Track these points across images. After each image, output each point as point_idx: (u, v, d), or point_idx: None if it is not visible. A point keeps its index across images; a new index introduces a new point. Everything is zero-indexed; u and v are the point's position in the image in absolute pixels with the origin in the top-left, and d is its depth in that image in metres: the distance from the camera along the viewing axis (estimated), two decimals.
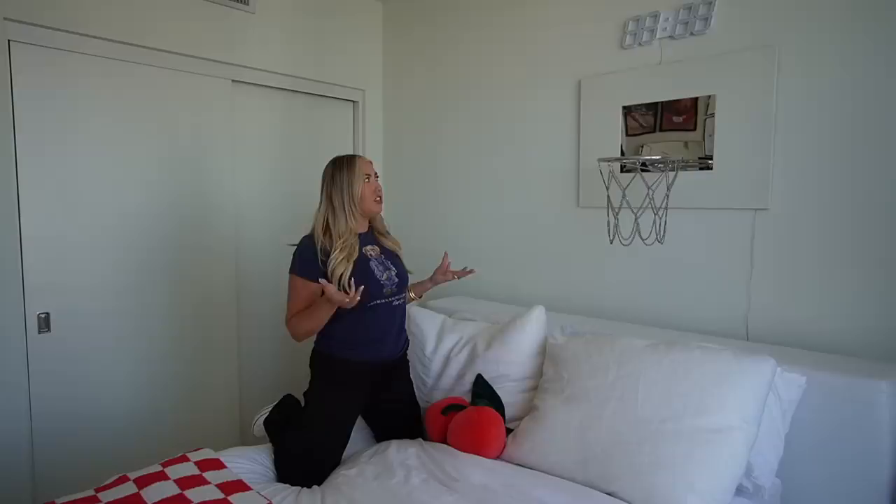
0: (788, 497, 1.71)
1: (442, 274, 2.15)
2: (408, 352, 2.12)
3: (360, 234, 1.89)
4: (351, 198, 1.84)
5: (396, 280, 1.92)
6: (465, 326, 2.22)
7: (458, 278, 2.15)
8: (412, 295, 2.14)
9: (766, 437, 1.61)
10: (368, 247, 1.91)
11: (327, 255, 1.78)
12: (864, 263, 1.86)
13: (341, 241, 1.80)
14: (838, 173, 1.89)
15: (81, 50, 2.19)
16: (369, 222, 1.98)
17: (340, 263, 1.77)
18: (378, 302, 1.86)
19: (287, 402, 2.06)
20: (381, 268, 1.89)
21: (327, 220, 1.84)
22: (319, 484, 1.74)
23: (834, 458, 1.66)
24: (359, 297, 1.68)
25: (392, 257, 1.97)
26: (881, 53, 1.79)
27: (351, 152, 3.22)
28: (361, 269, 1.82)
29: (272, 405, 2.06)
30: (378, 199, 1.92)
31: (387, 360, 1.95)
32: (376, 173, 1.95)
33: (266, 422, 2.01)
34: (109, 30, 2.25)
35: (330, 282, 1.72)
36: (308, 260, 1.80)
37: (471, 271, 2.14)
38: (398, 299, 1.94)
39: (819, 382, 1.67)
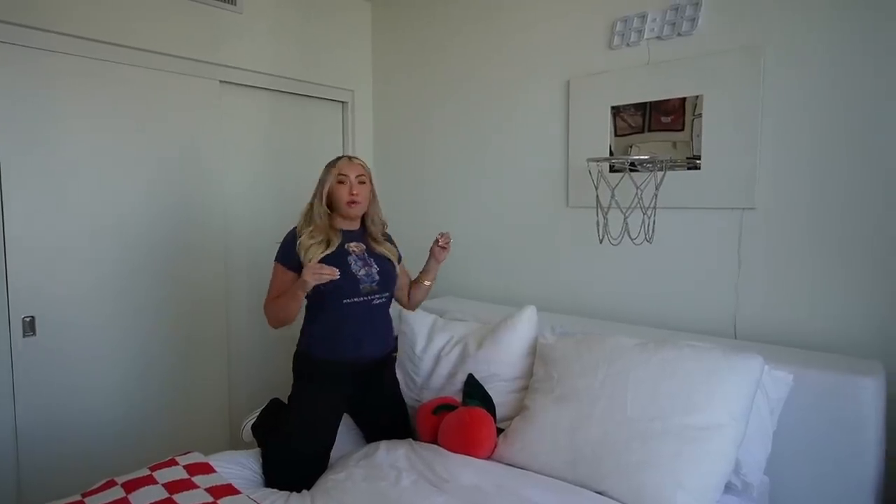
0: (776, 494, 1.73)
1: (439, 250, 2.06)
2: (398, 350, 2.10)
3: (345, 231, 1.91)
4: (322, 194, 1.88)
5: (377, 279, 1.89)
6: (455, 326, 2.22)
7: (446, 244, 2.05)
8: (427, 283, 2.08)
9: (755, 434, 1.62)
10: (352, 243, 1.90)
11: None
12: (851, 262, 1.88)
13: (312, 227, 1.84)
14: (824, 173, 1.91)
15: (66, 50, 2.16)
16: (363, 224, 1.97)
17: (313, 247, 1.80)
18: (355, 300, 1.84)
19: (273, 407, 2.04)
20: (359, 263, 1.87)
21: (309, 211, 1.89)
22: (308, 488, 1.73)
23: (821, 454, 1.68)
24: (335, 276, 1.71)
25: (378, 257, 1.94)
26: (866, 53, 1.81)
27: (340, 152, 3.23)
28: (338, 261, 1.80)
29: (260, 409, 2.05)
30: (351, 201, 1.86)
31: (367, 360, 1.92)
32: (360, 177, 1.89)
33: (253, 427, 1.99)
34: (94, 30, 2.22)
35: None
36: (288, 248, 1.85)
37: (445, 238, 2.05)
38: (379, 298, 1.91)
39: (806, 380, 1.69)
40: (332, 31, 3.09)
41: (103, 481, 1.56)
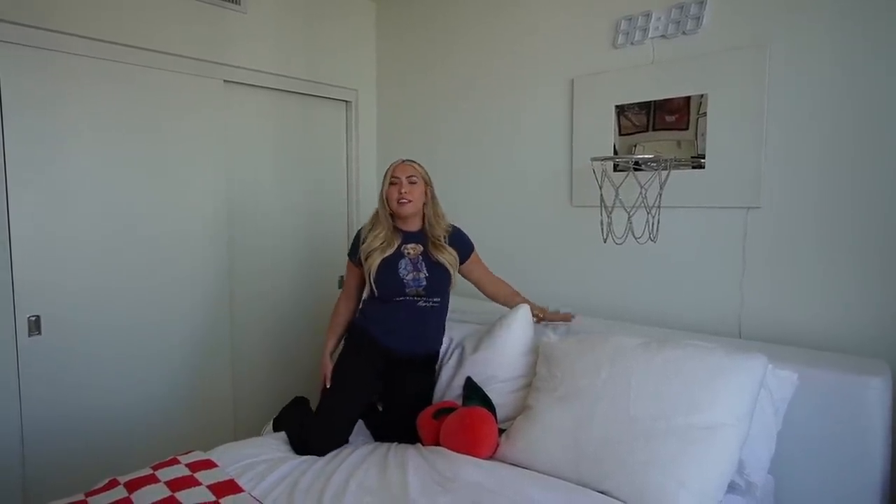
0: (781, 494, 1.72)
1: (559, 322, 2.18)
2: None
3: (406, 232, 2.03)
4: (382, 196, 2.03)
5: (424, 283, 1.99)
6: (451, 328, 2.24)
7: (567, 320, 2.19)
8: (525, 306, 2.11)
9: (759, 434, 1.61)
10: (409, 245, 2.02)
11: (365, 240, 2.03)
12: (857, 261, 1.86)
13: (377, 230, 2.01)
14: (830, 171, 1.89)
15: (71, 50, 2.18)
16: (424, 224, 2.05)
17: (371, 254, 1.98)
18: (399, 299, 1.99)
19: (298, 401, 2.13)
20: (409, 267, 1.99)
21: (377, 211, 2.06)
22: (335, 442, 1.86)
23: (826, 454, 1.67)
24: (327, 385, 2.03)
25: (431, 262, 2.01)
26: (872, 51, 1.80)
27: (344, 152, 3.25)
28: (389, 264, 1.98)
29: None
30: (400, 199, 1.98)
31: (400, 353, 2.02)
32: (411, 177, 2.00)
33: (276, 420, 2.06)
34: (99, 30, 2.24)
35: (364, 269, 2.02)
36: (354, 246, 2.09)
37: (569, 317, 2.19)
38: (426, 301, 2.02)
39: (811, 380, 1.68)
40: (337, 30, 3.10)
41: (106, 481, 1.56)
